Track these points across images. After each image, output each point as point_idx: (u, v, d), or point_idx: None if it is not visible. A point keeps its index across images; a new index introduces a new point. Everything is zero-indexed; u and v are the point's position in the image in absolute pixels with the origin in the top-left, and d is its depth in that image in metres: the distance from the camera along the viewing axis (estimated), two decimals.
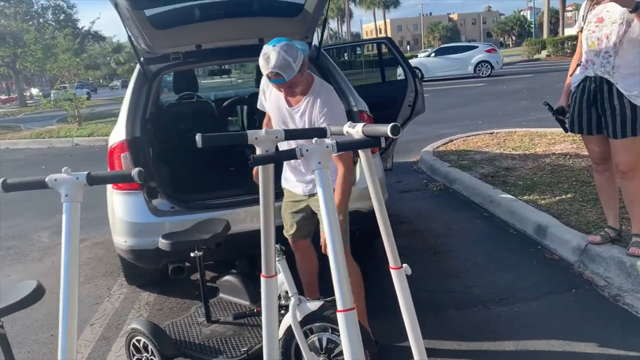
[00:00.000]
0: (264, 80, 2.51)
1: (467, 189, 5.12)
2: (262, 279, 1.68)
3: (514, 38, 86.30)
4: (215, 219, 2.87)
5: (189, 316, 2.81)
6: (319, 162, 1.27)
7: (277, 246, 2.29)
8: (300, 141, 2.41)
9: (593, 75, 3.04)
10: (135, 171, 1.18)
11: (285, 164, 2.60)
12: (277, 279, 2.33)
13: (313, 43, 3.91)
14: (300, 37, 3.80)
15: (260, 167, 1.39)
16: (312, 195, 2.50)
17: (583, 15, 3.14)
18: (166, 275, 3.82)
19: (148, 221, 3.13)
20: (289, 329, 2.31)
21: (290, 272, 2.30)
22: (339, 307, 1.32)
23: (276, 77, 2.14)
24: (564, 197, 4.38)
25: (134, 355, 2.63)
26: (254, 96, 5.32)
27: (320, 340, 2.29)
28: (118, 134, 3.24)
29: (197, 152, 3.86)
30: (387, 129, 1.20)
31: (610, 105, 3.01)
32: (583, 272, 3.33)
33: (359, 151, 1.38)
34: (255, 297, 2.89)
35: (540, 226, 3.88)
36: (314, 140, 1.29)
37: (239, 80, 12.12)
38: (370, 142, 1.29)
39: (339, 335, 2.20)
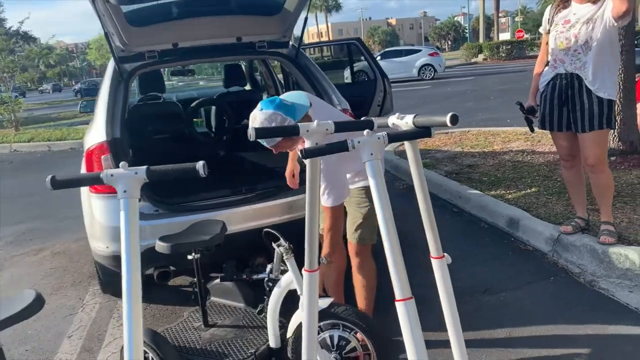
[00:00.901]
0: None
1: (434, 186, 5.26)
2: (305, 274, 1.66)
3: (449, 43, 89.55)
4: (209, 220, 2.81)
5: (184, 322, 2.72)
6: (371, 154, 1.28)
7: (286, 244, 2.27)
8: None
9: (564, 72, 3.19)
10: (200, 164, 1.13)
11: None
12: (286, 277, 2.33)
13: (291, 42, 3.90)
14: (279, 36, 3.79)
15: (308, 160, 1.38)
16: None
17: (548, 19, 3.30)
18: (143, 282, 3.72)
19: None
20: (299, 327, 2.30)
21: (299, 271, 2.28)
22: (397, 296, 1.33)
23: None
24: (529, 191, 4.59)
25: None
26: (223, 97, 5.29)
27: (331, 337, 2.28)
28: (96, 135, 3.09)
29: (171, 154, 3.77)
30: (446, 118, 1.23)
31: (580, 100, 3.16)
32: (557, 261, 3.51)
33: (406, 143, 1.40)
34: (250, 300, 2.85)
35: (512, 219, 4.05)
36: (365, 132, 1.30)
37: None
38: (421, 132, 1.32)
39: (350, 332, 2.22)
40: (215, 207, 3.13)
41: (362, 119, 1.37)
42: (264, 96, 5.37)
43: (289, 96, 2.21)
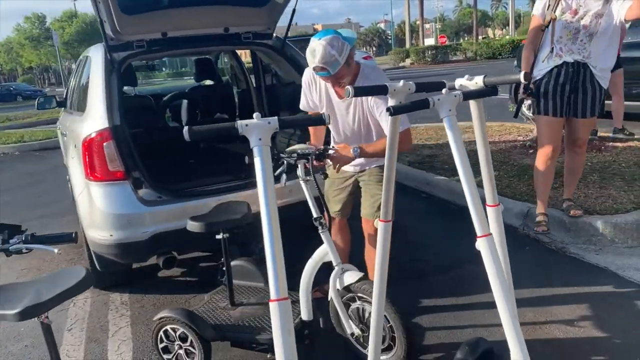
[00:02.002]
0: (308, 77, 2.59)
1: (401, 176, 5.53)
2: (380, 224, 1.80)
3: (374, 49, 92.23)
4: (233, 202, 2.86)
5: (208, 303, 2.75)
6: (449, 110, 1.46)
7: (320, 219, 2.39)
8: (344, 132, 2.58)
9: (572, 60, 3.28)
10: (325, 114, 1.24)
11: (332, 129, 2.68)
12: (320, 250, 2.45)
13: (275, 34, 4.01)
14: (265, 28, 3.89)
15: (391, 118, 1.53)
16: (362, 171, 2.64)
17: (549, 5, 3.31)
18: (132, 275, 3.68)
19: (138, 211, 3.00)
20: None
21: (333, 244, 2.41)
22: (480, 233, 1.52)
23: (322, 71, 2.23)
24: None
25: (161, 343, 2.54)
26: (195, 90, 5.28)
27: (362, 310, 2.43)
28: (94, 123, 3.05)
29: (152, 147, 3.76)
30: (519, 76, 1.43)
31: (583, 87, 3.31)
32: (528, 233, 3.87)
33: (471, 102, 1.60)
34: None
35: (482, 198, 4.38)
36: (443, 90, 1.47)
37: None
38: (489, 91, 1.51)
39: None
40: (218, 192, 3.18)
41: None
42: (234, 90, 5.42)
43: (341, 31, 2.36)
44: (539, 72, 3.40)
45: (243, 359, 2.65)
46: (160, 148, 3.94)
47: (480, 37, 43.96)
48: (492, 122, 7.33)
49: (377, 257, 1.82)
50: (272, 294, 1.23)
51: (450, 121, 1.47)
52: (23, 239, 1.48)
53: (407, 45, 37.05)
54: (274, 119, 1.24)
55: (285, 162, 2.34)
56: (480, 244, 1.52)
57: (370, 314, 2.40)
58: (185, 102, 4.92)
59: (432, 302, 3.05)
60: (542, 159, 3.54)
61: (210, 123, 4.56)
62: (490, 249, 1.50)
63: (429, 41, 35.87)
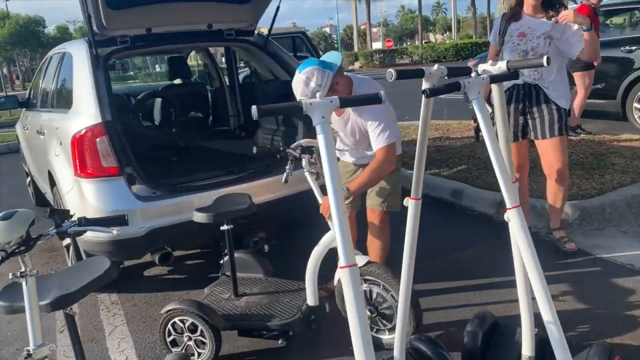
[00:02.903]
0: None
1: None
2: (411, 202, 1.90)
3: (321, 52, 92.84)
4: (234, 194, 2.88)
5: (210, 295, 2.76)
6: (478, 92, 1.58)
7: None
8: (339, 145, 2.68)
9: (522, 82, 3.25)
10: (382, 93, 1.32)
11: (338, 140, 2.76)
12: (327, 235, 2.53)
13: (256, 32, 4.05)
14: (247, 25, 3.93)
15: (424, 100, 1.63)
16: (363, 165, 2.72)
17: (500, 29, 3.31)
18: (121, 274, 3.61)
19: (134, 207, 2.97)
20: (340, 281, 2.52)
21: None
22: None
23: None
24: (460, 168, 5.21)
25: (169, 336, 2.54)
26: (169, 88, 5.21)
27: (370, 291, 2.52)
28: (86, 118, 3.00)
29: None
30: (542, 60, 1.57)
31: (539, 109, 3.25)
32: (503, 221, 4.08)
33: (493, 86, 1.73)
34: (268, 270, 2.96)
35: (455, 190, 4.61)
36: (473, 74, 1.59)
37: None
38: (511, 75, 1.65)
39: (388, 292, 2.46)
40: (212, 187, 3.19)
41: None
42: (208, 88, 5.41)
43: (326, 56, 2.44)
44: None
45: (250, 349, 2.68)
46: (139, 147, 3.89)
47: (422, 42, 45.40)
48: (451, 120, 7.64)
49: (407, 235, 1.92)
50: (342, 262, 1.30)
51: (479, 103, 1.59)
52: (77, 222, 1.48)
53: (355, 48, 37.70)
54: (335, 98, 1.31)
55: (290, 155, 2.42)
56: (511, 215, 1.65)
57: (377, 295, 2.51)
58: (158, 100, 4.86)
59: (425, 286, 3.17)
60: None
61: (184, 121, 4.55)
62: (520, 219, 1.63)
63: (376, 45, 36.66)
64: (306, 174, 2.48)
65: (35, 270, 1.49)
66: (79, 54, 3.37)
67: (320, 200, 2.55)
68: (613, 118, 6.94)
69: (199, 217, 2.56)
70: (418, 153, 1.81)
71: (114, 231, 1.49)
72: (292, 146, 2.50)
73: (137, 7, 3.38)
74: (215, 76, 5.29)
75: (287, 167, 2.58)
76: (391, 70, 1.48)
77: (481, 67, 1.69)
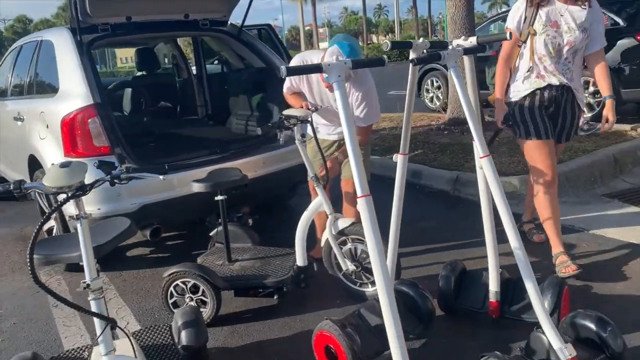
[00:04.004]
0: (300, 62, 2.92)
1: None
2: (400, 157, 2.21)
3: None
4: (224, 168, 3.10)
5: (205, 263, 2.97)
6: (455, 62, 1.91)
7: (315, 175, 2.76)
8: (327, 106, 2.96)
9: (558, 83, 2.83)
10: (384, 58, 1.60)
11: (316, 117, 3.02)
12: (315, 201, 2.81)
13: (229, 22, 4.27)
14: (221, 15, 4.15)
15: (411, 67, 1.94)
16: (339, 140, 3.10)
17: (525, 17, 2.81)
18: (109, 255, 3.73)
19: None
20: (327, 242, 2.82)
21: (327, 197, 2.78)
22: None
23: None
24: (417, 152, 5.62)
25: (171, 298, 2.74)
26: (138, 79, 5.32)
27: (355, 249, 2.83)
28: (76, 100, 3.14)
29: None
30: (505, 35, 1.91)
31: (564, 112, 2.93)
32: (459, 195, 4.53)
33: (465, 58, 2.06)
34: (256, 240, 3.21)
35: (415, 171, 5.00)
36: (449, 46, 1.92)
37: None
38: (480, 48, 1.99)
39: None
40: (199, 165, 3.39)
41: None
42: (176, 78, 5.56)
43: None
44: (517, 93, 2.93)
45: (246, 308, 2.91)
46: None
47: (367, 43, 46.47)
48: (402, 112, 8.07)
49: (396, 186, 2.26)
50: (359, 192, 1.59)
51: (456, 70, 1.92)
52: (124, 169, 1.68)
53: (303, 49, 38.07)
54: (349, 60, 1.59)
55: (283, 125, 2.68)
56: (483, 162, 1.98)
57: (362, 251, 2.82)
58: (129, 90, 4.97)
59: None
60: (542, 189, 2.96)
61: (154, 111, 4.72)
62: (492, 167, 1.96)
63: (323, 45, 37.22)
64: (297, 144, 2.75)
65: (90, 213, 1.68)
66: (62, 40, 3.48)
67: (310, 171, 2.82)
68: None
69: (197, 187, 2.78)
70: (406, 114, 2.13)
71: (161, 177, 1.71)
72: (283, 113, 2.74)
73: None
74: (183, 66, 5.44)
75: (282, 133, 2.80)
76: (386, 40, 1.78)
77: (455, 42, 2.03)
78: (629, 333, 2.26)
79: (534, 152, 2.92)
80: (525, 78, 2.88)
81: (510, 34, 1.96)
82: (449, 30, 6.29)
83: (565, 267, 2.84)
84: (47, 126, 3.35)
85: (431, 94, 9.02)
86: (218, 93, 5.09)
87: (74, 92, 3.18)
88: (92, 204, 3.11)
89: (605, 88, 2.87)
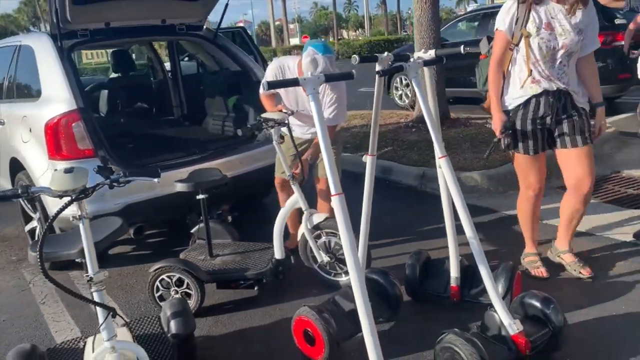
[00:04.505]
0: (275, 71, 3.08)
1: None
2: (368, 158, 2.43)
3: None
4: (204, 168, 3.28)
5: (188, 258, 3.15)
6: (417, 72, 2.14)
7: (291, 174, 2.97)
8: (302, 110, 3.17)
9: (554, 88, 2.68)
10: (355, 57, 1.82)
11: (291, 118, 3.19)
12: (292, 198, 3.02)
13: (205, 26, 4.43)
14: (197, 20, 4.30)
15: (378, 78, 2.17)
16: (310, 139, 3.31)
17: (517, 18, 2.63)
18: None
19: None
20: (303, 236, 3.04)
21: (302, 194, 3.00)
22: None
23: None
24: (387, 149, 5.89)
25: (157, 292, 2.91)
26: (114, 81, 5.41)
27: (329, 242, 3.06)
28: (60, 105, 3.26)
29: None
30: (460, 49, 2.15)
31: (568, 115, 2.74)
32: (426, 190, 4.81)
33: (425, 68, 2.29)
34: (235, 236, 3.41)
35: (384, 168, 5.27)
36: (411, 59, 2.16)
37: None
38: (438, 60, 2.22)
39: None
40: (179, 166, 3.56)
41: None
42: (152, 80, 5.68)
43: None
44: (513, 100, 2.79)
45: (228, 300, 3.11)
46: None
47: (337, 38, 46.81)
48: (371, 110, 8.34)
49: (365, 185, 2.48)
50: (332, 191, 1.81)
51: (417, 80, 2.15)
52: (122, 174, 1.85)
53: (273, 44, 38.13)
54: (322, 75, 1.80)
55: (262, 126, 2.89)
56: (441, 162, 2.22)
57: (335, 244, 3.06)
58: (105, 92, 5.07)
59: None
60: (525, 200, 3.01)
61: (131, 112, 4.87)
62: (449, 167, 2.21)
63: (293, 41, 37.36)
64: (275, 144, 2.95)
65: (90, 215, 1.86)
66: (42, 46, 3.59)
67: (286, 170, 3.03)
68: None
69: (180, 187, 2.96)
70: (374, 118, 2.35)
71: (155, 180, 1.89)
72: (262, 116, 2.95)
73: (98, 3, 3.66)
74: (158, 68, 5.57)
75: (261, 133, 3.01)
76: (355, 55, 2.01)
77: (416, 55, 2.27)
78: (570, 312, 2.56)
79: (523, 165, 2.91)
80: (520, 84, 2.73)
81: (464, 48, 2.20)
82: (416, 31, 6.55)
83: (534, 267, 3.01)
84: (30, 130, 3.46)
85: (400, 92, 9.31)
86: (193, 94, 5.24)
87: (57, 96, 3.30)
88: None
89: (595, 94, 2.76)
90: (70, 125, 3.20)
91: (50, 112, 3.27)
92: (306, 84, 1.77)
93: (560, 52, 2.62)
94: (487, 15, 8.69)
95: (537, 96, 2.71)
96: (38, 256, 1.66)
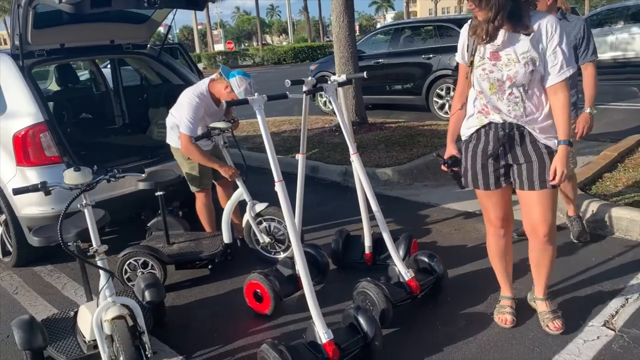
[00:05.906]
0: (200, 99, 3.62)
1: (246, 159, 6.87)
2: (300, 156, 3.13)
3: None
4: (159, 169, 3.86)
5: (148, 246, 3.71)
6: (333, 92, 2.89)
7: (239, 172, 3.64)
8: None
9: (501, 121, 2.45)
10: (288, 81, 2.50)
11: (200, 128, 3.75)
12: (237, 192, 3.69)
13: (149, 45, 4.97)
14: (142, 40, 4.84)
15: (305, 97, 2.88)
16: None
17: (467, 45, 2.47)
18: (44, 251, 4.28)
19: None
20: (247, 223, 3.72)
21: (246, 187, 3.67)
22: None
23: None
24: (313, 151, 6.66)
25: (125, 274, 3.46)
26: (59, 93, 5.77)
27: (269, 226, 3.75)
28: (26, 118, 3.71)
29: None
30: (364, 74, 2.93)
31: (524, 152, 2.48)
32: (348, 185, 5.61)
33: (339, 89, 3.03)
34: (187, 228, 4.01)
35: (313, 167, 6.03)
36: (329, 81, 2.89)
37: None
38: (348, 82, 2.98)
39: (281, 224, 3.71)
40: (137, 169, 4.09)
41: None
42: (94, 92, 6.09)
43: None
44: (466, 130, 2.62)
45: (185, 278, 3.71)
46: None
47: (261, 44, 47.44)
48: (298, 116, 9.10)
49: (298, 180, 3.19)
50: (275, 178, 2.51)
51: (333, 97, 2.90)
52: (116, 171, 2.44)
53: (197, 50, 38.04)
54: (264, 96, 2.50)
55: (211, 133, 3.54)
56: (353, 158, 2.99)
57: (274, 227, 3.75)
58: (50, 104, 5.42)
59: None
60: (489, 236, 2.79)
61: (76, 123, 5.35)
62: (359, 162, 2.97)
63: (218, 47, 37.49)
64: (222, 149, 3.61)
65: (93, 202, 2.43)
66: (4, 65, 3.99)
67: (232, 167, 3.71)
68: (420, 110, 9.08)
69: (142, 185, 3.53)
70: (303, 127, 3.08)
71: (142, 175, 2.50)
72: (211, 127, 3.59)
73: (54, 27, 4.12)
74: (100, 81, 5.99)
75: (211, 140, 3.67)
76: (288, 80, 2.73)
77: (333, 78, 3.02)
78: (451, 267, 3.43)
79: (481, 200, 2.71)
80: (471, 115, 2.57)
81: (367, 73, 2.99)
82: (335, 47, 7.39)
83: (499, 313, 2.82)
84: (12, 142, 3.83)
85: (324, 99, 10.14)
86: (135, 104, 5.73)
87: (23, 111, 3.73)
88: (46, 205, 3.72)
89: (559, 131, 2.40)
90: (38, 136, 3.66)
91: (18, 124, 3.69)
92: (254, 102, 2.47)
93: (507, 84, 2.37)
94: (398, 30, 9.77)
95: (485, 127, 2.50)
96: (59, 236, 2.21)
